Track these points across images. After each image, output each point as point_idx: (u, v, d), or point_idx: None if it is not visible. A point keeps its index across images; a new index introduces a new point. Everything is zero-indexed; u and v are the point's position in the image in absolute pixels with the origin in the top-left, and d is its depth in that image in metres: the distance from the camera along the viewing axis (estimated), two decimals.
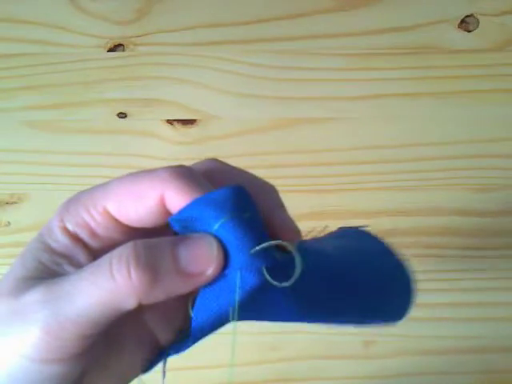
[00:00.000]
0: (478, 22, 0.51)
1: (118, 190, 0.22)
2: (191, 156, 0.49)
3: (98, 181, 0.53)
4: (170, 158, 0.49)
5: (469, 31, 0.51)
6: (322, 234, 0.32)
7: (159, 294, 0.21)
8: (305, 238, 0.27)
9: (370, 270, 0.28)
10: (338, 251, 0.27)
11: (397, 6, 0.51)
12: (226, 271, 0.21)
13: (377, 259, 0.29)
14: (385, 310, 0.28)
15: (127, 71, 0.50)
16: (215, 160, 0.25)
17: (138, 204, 0.22)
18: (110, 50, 0.50)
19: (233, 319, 0.21)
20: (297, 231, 0.24)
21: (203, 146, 0.50)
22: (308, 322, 0.24)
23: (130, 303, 0.20)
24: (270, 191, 0.24)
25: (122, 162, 0.50)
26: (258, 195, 0.22)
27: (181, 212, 0.21)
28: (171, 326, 0.25)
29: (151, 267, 0.20)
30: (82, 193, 0.23)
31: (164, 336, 0.25)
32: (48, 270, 0.22)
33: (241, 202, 0.21)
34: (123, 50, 0.50)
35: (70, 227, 0.22)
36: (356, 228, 0.32)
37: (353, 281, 0.26)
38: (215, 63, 0.50)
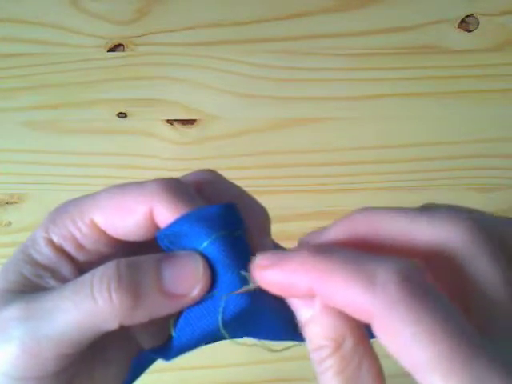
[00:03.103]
0: (477, 22, 0.51)
1: (106, 203, 0.21)
2: (191, 156, 0.49)
3: (98, 181, 0.54)
4: (169, 158, 0.49)
5: (469, 31, 0.51)
6: None
7: (141, 316, 0.20)
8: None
9: None
10: None
11: (397, 6, 0.51)
12: (214, 291, 0.20)
13: None
14: None
15: (127, 71, 0.50)
16: (210, 171, 0.24)
17: (126, 217, 0.21)
18: (110, 50, 0.50)
19: (219, 339, 0.21)
20: None
21: (203, 146, 0.50)
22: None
23: (111, 324, 0.20)
24: (260, 214, 0.23)
25: (122, 162, 0.50)
26: (245, 215, 0.22)
27: (169, 227, 0.21)
28: (157, 337, 0.24)
29: (133, 289, 0.19)
30: (68, 203, 0.22)
31: (149, 345, 0.24)
32: (30, 283, 0.21)
33: (232, 220, 0.21)
34: (123, 50, 0.50)
35: (56, 239, 0.22)
36: None
37: None
38: (215, 63, 0.50)
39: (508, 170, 0.50)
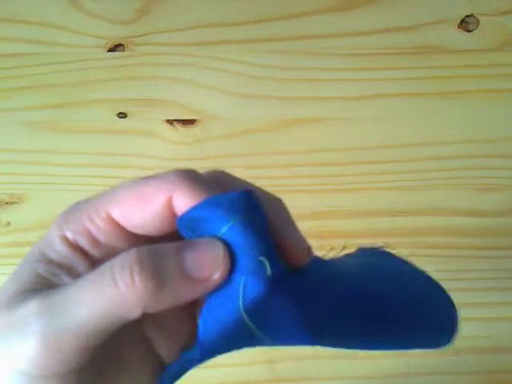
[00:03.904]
0: (478, 21, 0.51)
1: (123, 194, 0.21)
2: (191, 156, 0.49)
3: (98, 181, 0.54)
4: (169, 158, 0.49)
5: (469, 31, 0.51)
6: (340, 254, 0.30)
7: (164, 302, 0.20)
8: (324, 257, 0.26)
9: (399, 292, 0.26)
10: (359, 270, 0.26)
11: (397, 6, 0.51)
12: (233, 276, 0.20)
13: (407, 281, 0.28)
14: (419, 335, 0.26)
15: (127, 71, 0.50)
16: (222, 172, 0.24)
17: (145, 207, 0.21)
18: (110, 50, 0.50)
19: (248, 333, 0.20)
20: (308, 251, 0.23)
21: (203, 145, 0.50)
22: (327, 345, 0.23)
23: (134, 312, 0.19)
24: (279, 205, 0.23)
25: (122, 162, 0.50)
26: (266, 207, 0.22)
27: (190, 211, 0.21)
28: (174, 343, 0.24)
29: (156, 273, 0.19)
30: (81, 202, 0.22)
31: (167, 354, 0.24)
32: (45, 281, 0.21)
33: (252, 206, 0.21)
34: (123, 50, 0.50)
35: (70, 236, 0.21)
36: (377, 248, 0.30)
37: (378, 302, 0.24)
38: (215, 63, 0.50)
39: (508, 170, 0.50)
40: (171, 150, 0.50)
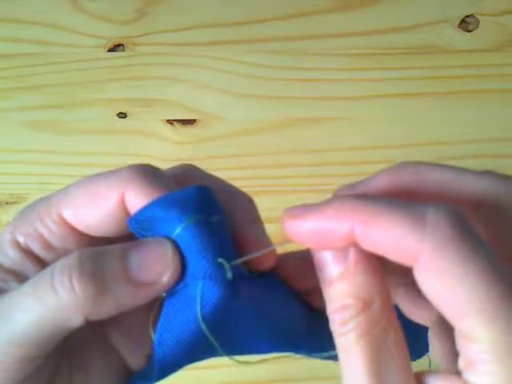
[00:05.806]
0: (477, 22, 0.51)
1: (74, 193, 0.20)
2: (191, 156, 0.49)
3: None
4: (170, 158, 0.49)
5: (469, 31, 0.51)
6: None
7: (108, 308, 0.18)
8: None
9: None
10: None
11: (397, 6, 0.51)
12: (190, 281, 0.19)
13: None
14: None
15: (127, 71, 0.50)
16: (190, 166, 0.23)
17: (97, 207, 0.20)
18: (110, 50, 0.50)
19: (202, 341, 0.19)
20: (271, 251, 0.21)
21: (203, 146, 0.50)
22: (282, 351, 0.22)
23: (76, 319, 0.18)
24: (246, 203, 0.22)
25: (121, 162, 0.49)
26: (231, 205, 0.21)
27: (141, 211, 0.19)
28: (140, 349, 0.22)
29: (97, 277, 0.18)
30: (37, 201, 0.21)
31: (134, 361, 0.22)
32: None
33: (207, 204, 0.19)
34: (123, 50, 0.50)
35: (21, 240, 0.20)
36: None
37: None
38: (215, 63, 0.50)
39: (508, 170, 0.50)
40: (171, 149, 0.50)
